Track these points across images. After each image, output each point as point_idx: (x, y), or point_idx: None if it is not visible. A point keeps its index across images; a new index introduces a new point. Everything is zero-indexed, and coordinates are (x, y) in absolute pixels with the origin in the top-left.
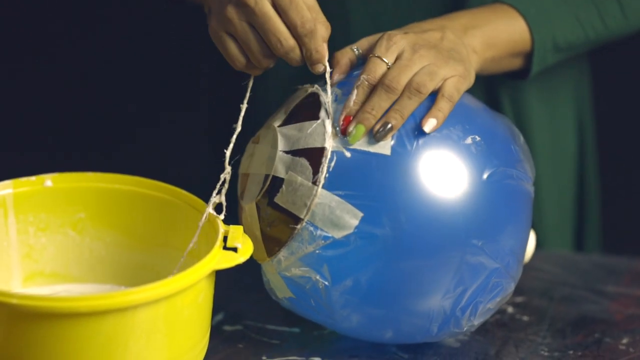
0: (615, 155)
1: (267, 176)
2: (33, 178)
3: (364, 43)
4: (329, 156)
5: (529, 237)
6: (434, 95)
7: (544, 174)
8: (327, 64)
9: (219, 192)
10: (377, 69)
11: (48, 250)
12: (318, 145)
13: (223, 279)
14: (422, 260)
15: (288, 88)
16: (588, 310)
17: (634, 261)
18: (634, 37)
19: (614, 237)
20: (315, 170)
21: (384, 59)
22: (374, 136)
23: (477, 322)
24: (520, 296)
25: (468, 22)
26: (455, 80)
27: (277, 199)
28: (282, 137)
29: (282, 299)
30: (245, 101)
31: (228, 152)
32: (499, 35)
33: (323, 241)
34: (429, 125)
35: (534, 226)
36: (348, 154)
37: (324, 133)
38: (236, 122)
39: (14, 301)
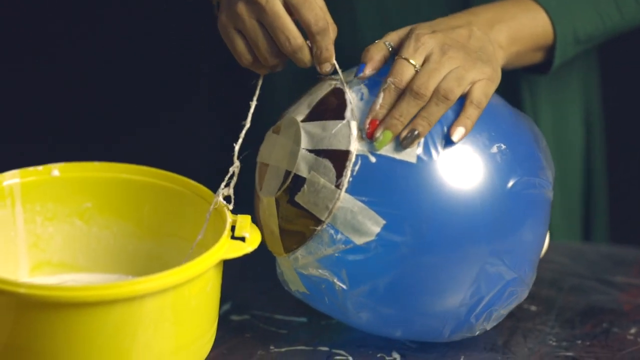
0: (624, 146)
1: (288, 172)
2: (40, 168)
3: (394, 37)
4: (353, 160)
5: (545, 242)
6: (461, 99)
7: None
8: (335, 62)
9: (228, 185)
10: (404, 72)
11: (55, 240)
12: (343, 147)
13: (230, 269)
14: (441, 270)
15: (295, 88)
16: (596, 301)
17: None
18: None
19: (622, 228)
20: (339, 174)
21: (412, 61)
22: (401, 143)
23: (489, 326)
24: None
25: (494, 17)
26: (484, 84)
27: (298, 198)
28: (306, 134)
29: (295, 292)
30: (255, 98)
31: (237, 147)
32: (523, 29)
33: (343, 245)
34: (458, 134)
35: None
36: (373, 159)
37: (349, 135)
38: (244, 118)
39: (22, 290)
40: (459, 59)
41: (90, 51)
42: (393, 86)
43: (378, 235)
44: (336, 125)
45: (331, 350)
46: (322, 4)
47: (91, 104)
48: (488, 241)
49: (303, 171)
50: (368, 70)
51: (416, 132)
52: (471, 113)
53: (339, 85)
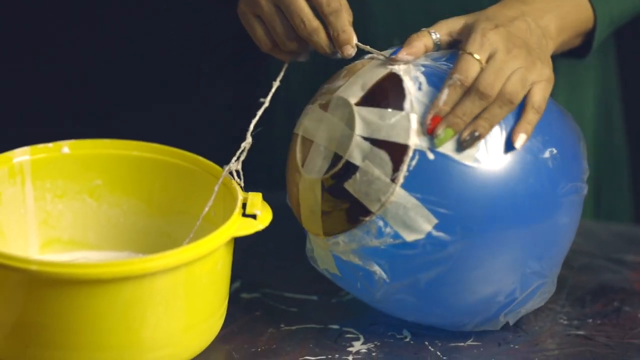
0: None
1: (338, 156)
2: (50, 145)
3: (442, 28)
4: (410, 154)
5: None
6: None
7: None
8: (355, 46)
9: (238, 159)
10: (470, 69)
11: (65, 217)
12: (401, 140)
13: (240, 247)
14: (484, 272)
15: (309, 83)
16: (607, 280)
17: None
18: None
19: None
20: (396, 168)
21: (477, 57)
22: (461, 143)
23: (512, 321)
24: None
25: (543, 6)
26: (543, 86)
27: (348, 185)
28: (361, 119)
29: (323, 270)
30: (279, 79)
31: (252, 124)
32: (569, 16)
33: (391, 240)
34: (520, 140)
35: None
36: (431, 156)
37: (408, 128)
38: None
39: (34, 267)
40: (522, 58)
41: (104, 27)
42: (459, 83)
43: (428, 233)
44: (395, 116)
45: (342, 328)
46: None
47: (102, 80)
48: (532, 247)
49: (356, 159)
50: (402, 54)
51: (477, 134)
52: (532, 118)
53: (395, 71)
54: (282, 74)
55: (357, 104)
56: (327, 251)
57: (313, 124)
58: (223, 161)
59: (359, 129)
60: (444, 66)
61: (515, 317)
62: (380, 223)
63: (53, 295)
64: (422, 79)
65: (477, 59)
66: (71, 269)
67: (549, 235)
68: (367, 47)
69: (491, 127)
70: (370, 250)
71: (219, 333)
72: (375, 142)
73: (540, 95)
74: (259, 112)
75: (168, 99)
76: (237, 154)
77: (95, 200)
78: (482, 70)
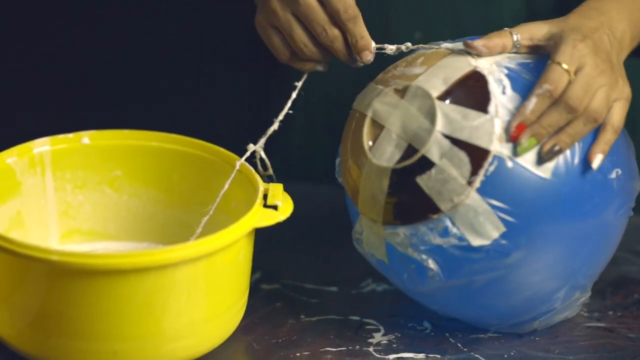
0: None
1: (412, 148)
2: (70, 135)
3: (524, 31)
4: (490, 160)
5: None
6: None
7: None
8: (374, 51)
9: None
10: (560, 80)
11: (85, 208)
12: (483, 144)
13: (259, 238)
14: (535, 283)
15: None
16: (628, 272)
17: None
18: None
19: None
20: (474, 171)
21: (565, 67)
22: (542, 155)
23: (541, 327)
24: None
25: (617, 14)
26: (622, 105)
27: (421, 180)
28: (443, 115)
29: (368, 254)
30: (298, 88)
31: (285, 109)
32: (637, 23)
33: (456, 241)
34: (597, 161)
35: None
36: (510, 164)
37: (491, 133)
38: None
39: (54, 258)
40: (607, 75)
41: (122, 18)
42: (548, 93)
43: (494, 240)
44: (478, 118)
45: (362, 319)
46: None
47: (120, 71)
48: (584, 263)
49: (434, 155)
50: (478, 43)
51: (558, 148)
52: (610, 138)
53: (479, 70)
54: (301, 84)
55: (439, 98)
56: (382, 239)
57: (386, 108)
58: (241, 152)
59: (440, 125)
60: (527, 73)
61: (547, 324)
62: (448, 223)
63: (74, 286)
64: (506, 82)
65: (567, 71)
66: (92, 259)
67: (600, 253)
68: (385, 46)
69: (573, 143)
70: (431, 247)
71: (239, 324)
72: (456, 142)
73: (620, 114)
74: (293, 95)
75: (186, 90)
76: (261, 141)
77: (115, 191)
78: (570, 82)
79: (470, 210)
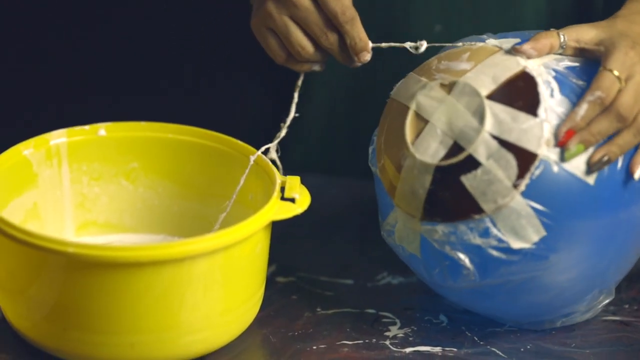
0: None
1: (458, 146)
2: (87, 127)
3: (571, 33)
4: (536, 164)
5: None
6: None
7: None
8: (370, 51)
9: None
10: (611, 87)
11: (101, 200)
12: (531, 148)
13: (275, 230)
14: (568, 289)
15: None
16: None
17: None
18: None
19: None
20: (521, 174)
21: (617, 74)
22: (590, 164)
23: (561, 324)
24: None
25: None
26: None
27: (465, 179)
28: (492, 116)
29: (399, 246)
30: (297, 91)
31: (284, 129)
32: None
33: (496, 242)
34: (639, 172)
35: None
36: (555, 169)
37: (540, 137)
38: (295, 79)
39: (71, 250)
40: None
41: (141, 11)
42: (599, 100)
43: (534, 244)
44: (528, 121)
45: (378, 312)
46: None
47: (139, 63)
48: (616, 270)
49: (481, 155)
50: (527, 47)
51: (606, 158)
52: None
53: (528, 71)
54: (299, 84)
55: (488, 98)
56: (417, 233)
57: (431, 102)
58: (257, 143)
59: (490, 126)
60: (574, 77)
61: (568, 323)
62: (489, 224)
63: (91, 278)
64: (554, 85)
65: (618, 78)
66: (110, 251)
67: (630, 260)
68: (383, 45)
69: (621, 153)
70: (469, 247)
71: (255, 317)
72: (504, 144)
73: None
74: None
75: (204, 83)
76: (282, 132)
77: (131, 183)
78: (621, 90)
79: (513, 212)
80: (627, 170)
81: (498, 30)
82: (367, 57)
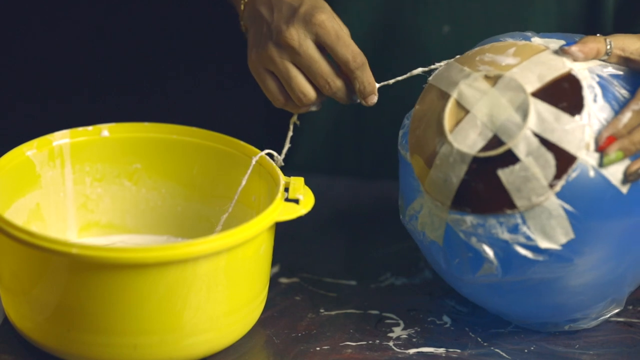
0: None
1: (498, 139)
2: (90, 128)
3: (617, 41)
4: (574, 166)
5: None
6: None
7: None
8: (377, 93)
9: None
10: None
11: (104, 201)
12: (571, 150)
13: (278, 231)
14: (588, 292)
15: None
16: None
17: None
18: None
19: None
20: (558, 175)
21: None
22: (627, 174)
23: (568, 328)
24: None
25: None
26: None
27: (502, 173)
28: (536, 114)
29: (420, 232)
30: (287, 140)
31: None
32: None
33: (524, 239)
34: None
35: None
36: (592, 173)
37: (580, 140)
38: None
39: (74, 251)
40: None
41: (140, 9)
42: None
43: (561, 245)
44: (570, 123)
45: (381, 313)
46: (350, 37)
47: (142, 64)
48: (632, 278)
49: (520, 151)
50: (574, 49)
51: None
52: None
53: (574, 73)
54: (295, 120)
55: (533, 95)
56: (444, 222)
57: (473, 93)
58: (261, 145)
59: (532, 123)
60: (617, 85)
61: (576, 328)
62: (519, 220)
63: (94, 279)
64: (598, 90)
65: None
66: (113, 252)
67: None
68: (391, 81)
69: None
70: (496, 241)
71: (259, 318)
72: (545, 142)
73: None
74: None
75: (207, 84)
76: (290, 132)
77: (134, 184)
78: None
79: (545, 212)
80: None
81: (506, 31)
82: (375, 99)
